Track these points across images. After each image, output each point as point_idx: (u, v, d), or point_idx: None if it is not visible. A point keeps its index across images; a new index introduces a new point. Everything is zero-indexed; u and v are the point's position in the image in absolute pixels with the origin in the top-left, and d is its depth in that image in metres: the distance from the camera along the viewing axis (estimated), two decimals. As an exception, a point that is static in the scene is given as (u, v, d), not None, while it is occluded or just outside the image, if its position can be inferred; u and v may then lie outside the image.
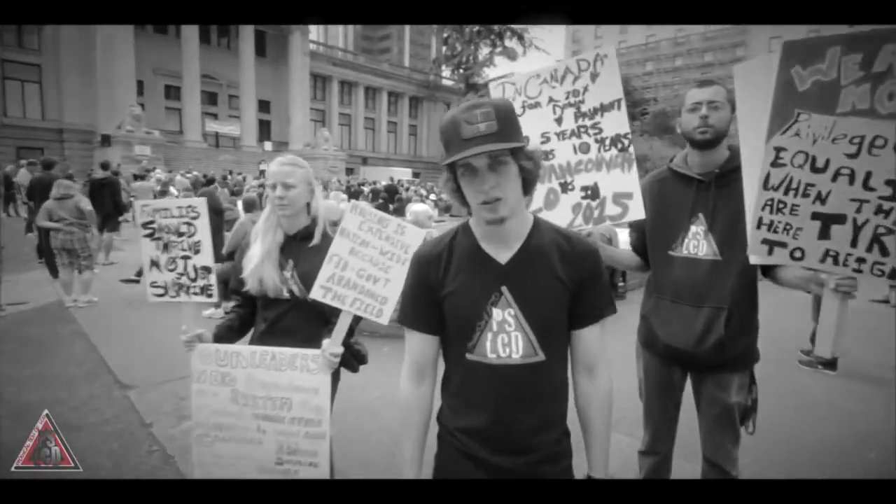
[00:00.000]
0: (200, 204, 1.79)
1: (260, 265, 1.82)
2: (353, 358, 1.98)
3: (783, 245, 1.53)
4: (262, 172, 26.22)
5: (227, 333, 1.94)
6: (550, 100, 1.93)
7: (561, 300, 1.16)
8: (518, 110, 1.90)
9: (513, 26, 32.80)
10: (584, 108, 1.88)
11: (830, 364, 4.55)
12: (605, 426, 1.21)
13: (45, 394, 3.54)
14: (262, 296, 1.87)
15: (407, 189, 20.84)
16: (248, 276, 1.84)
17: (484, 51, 34.20)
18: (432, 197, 20.94)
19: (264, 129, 37.55)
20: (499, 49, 33.82)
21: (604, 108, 1.86)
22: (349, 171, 36.61)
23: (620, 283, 7.50)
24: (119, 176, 14.43)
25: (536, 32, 33.17)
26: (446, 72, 41.02)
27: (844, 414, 3.73)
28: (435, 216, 9.48)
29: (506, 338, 1.14)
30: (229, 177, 19.30)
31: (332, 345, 1.73)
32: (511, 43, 33.44)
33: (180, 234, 1.80)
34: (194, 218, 1.78)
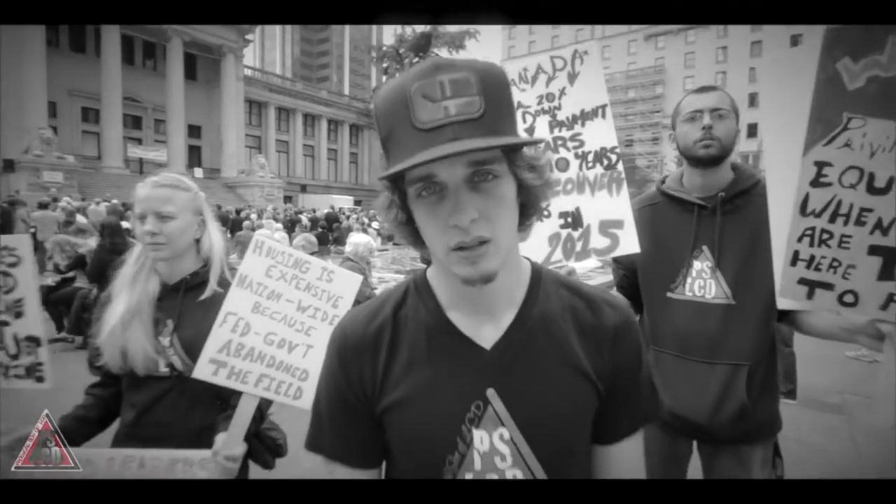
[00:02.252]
0: (21, 244, 1.22)
1: (122, 329, 1.27)
2: (266, 450, 1.44)
3: (828, 287, 1.19)
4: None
5: (78, 428, 1.34)
6: (519, 105, 1.54)
7: (585, 406, 0.72)
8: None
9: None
10: (560, 116, 1.52)
11: (790, 393, 4.44)
12: None
13: None
14: (129, 373, 1.31)
15: (348, 217, 20.15)
16: (104, 345, 1.28)
17: None
18: (375, 225, 20.32)
19: (194, 155, 35.66)
20: None
21: (585, 116, 1.50)
22: (287, 199, 35.32)
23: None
24: (17, 205, 12.87)
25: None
26: (387, 100, 41.57)
27: (813, 449, 3.59)
28: (378, 246, 8.96)
29: (497, 479, 0.69)
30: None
31: (230, 443, 1.20)
32: None
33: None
34: (13, 265, 1.21)
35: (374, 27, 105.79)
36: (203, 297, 1.34)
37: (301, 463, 3.05)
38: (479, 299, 0.71)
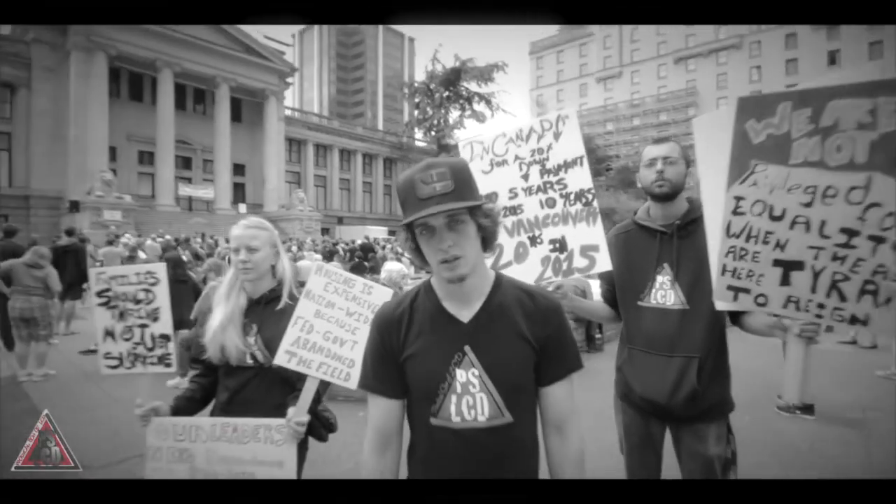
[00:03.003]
0: (160, 269, 1.73)
1: (221, 331, 1.74)
2: (321, 426, 1.86)
3: (747, 291, 1.55)
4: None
5: (187, 405, 1.81)
6: (517, 157, 1.98)
7: (526, 358, 1.13)
8: (486, 167, 1.95)
9: (480, 91, 34.51)
10: (548, 165, 1.93)
11: (808, 409, 4.54)
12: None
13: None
14: (224, 364, 1.77)
15: (383, 247, 20.85)
16: (208, 343, 1.75)
17: (454, 114, 35.71)
18: (408, 255, 20.92)
19: (239, 192, 37.59)
20: (468, 112, 35.45)
21: (567, 165, 1.91)
22: (325, 231, 36.62)
23: (598, 335, 7.48)
24: (87, 242, 14.10)
25: (503, 97, 34.94)
26: (419, 134, 42.47)
27: (826, 459, 3.70)
28: (411, 273, 9.45)
29: (470, 400, 1.10)
30: (199, 239, 19.00)
31: (298, 413, 1.63)
32: (479, 107, 35.16)
33: (137, 302, 1.72)
34: (153, 284, 1.71)
35: (406, 65, 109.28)
36: (277, 307, 1.80)
37: (343, 464, 3.44)
38: (460, 293, 1.15)
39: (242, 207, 35.57)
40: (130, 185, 31.55)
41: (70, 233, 8.58)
